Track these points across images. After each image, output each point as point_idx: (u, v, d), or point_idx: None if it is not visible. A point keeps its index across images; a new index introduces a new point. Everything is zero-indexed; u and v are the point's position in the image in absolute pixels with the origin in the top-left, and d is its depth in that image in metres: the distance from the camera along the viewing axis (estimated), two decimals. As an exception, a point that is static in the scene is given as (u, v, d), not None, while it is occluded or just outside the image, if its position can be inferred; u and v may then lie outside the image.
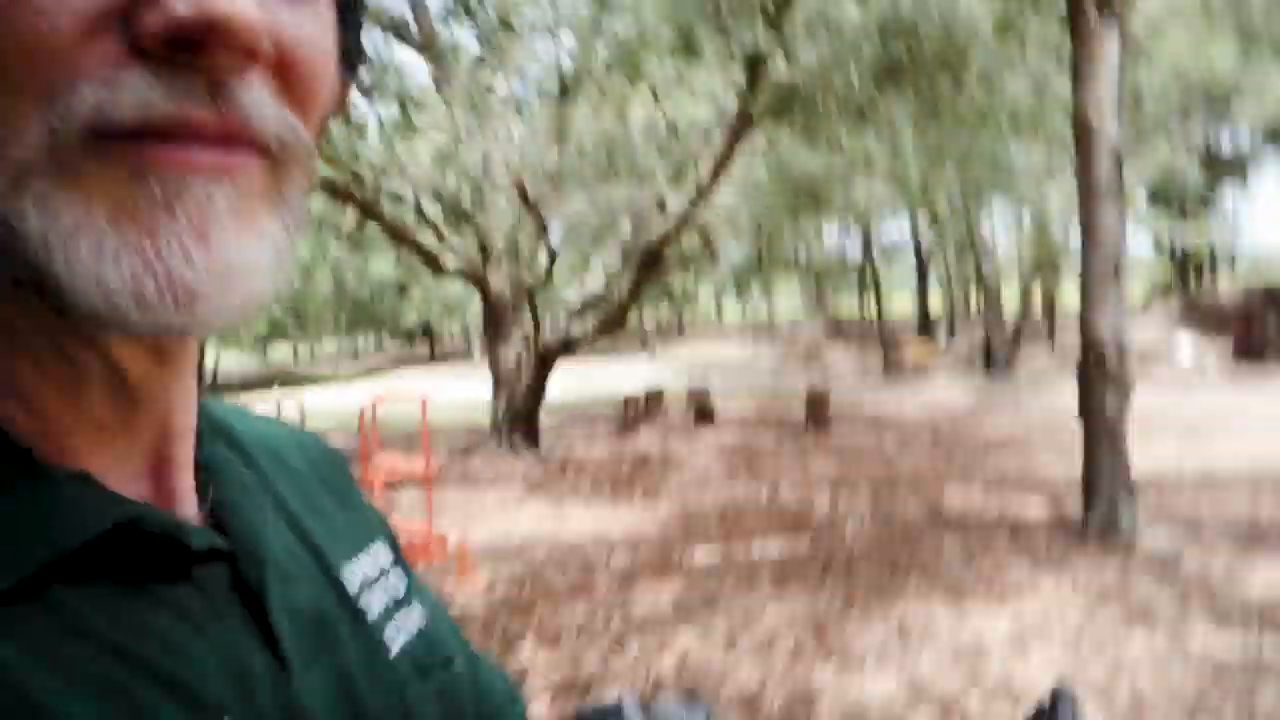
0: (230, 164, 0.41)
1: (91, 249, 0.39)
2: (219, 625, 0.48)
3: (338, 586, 0.59)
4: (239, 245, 0.42)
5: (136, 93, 0.38)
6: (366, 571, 0.62)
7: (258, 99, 0.42)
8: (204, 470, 0.54)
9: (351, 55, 0.52)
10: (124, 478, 0.49)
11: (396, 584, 0.64)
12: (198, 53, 0.39)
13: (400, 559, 0.68)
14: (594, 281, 14.19)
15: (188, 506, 0.52)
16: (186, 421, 0.53)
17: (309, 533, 0.60)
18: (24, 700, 0.38)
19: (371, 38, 12.67)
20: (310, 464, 0.68)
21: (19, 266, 0.39)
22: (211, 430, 0.58)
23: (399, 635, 0.60)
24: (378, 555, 0.65)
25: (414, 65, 32.68)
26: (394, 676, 0.58)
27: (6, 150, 0.38)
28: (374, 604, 0.60)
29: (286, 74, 0.44)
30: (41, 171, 0.38)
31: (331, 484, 0.68)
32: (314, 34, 0.46)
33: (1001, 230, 29.90)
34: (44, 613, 0.41)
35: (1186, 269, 38.29)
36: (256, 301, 0.44)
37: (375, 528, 0.68)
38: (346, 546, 0.62)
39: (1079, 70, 7.70)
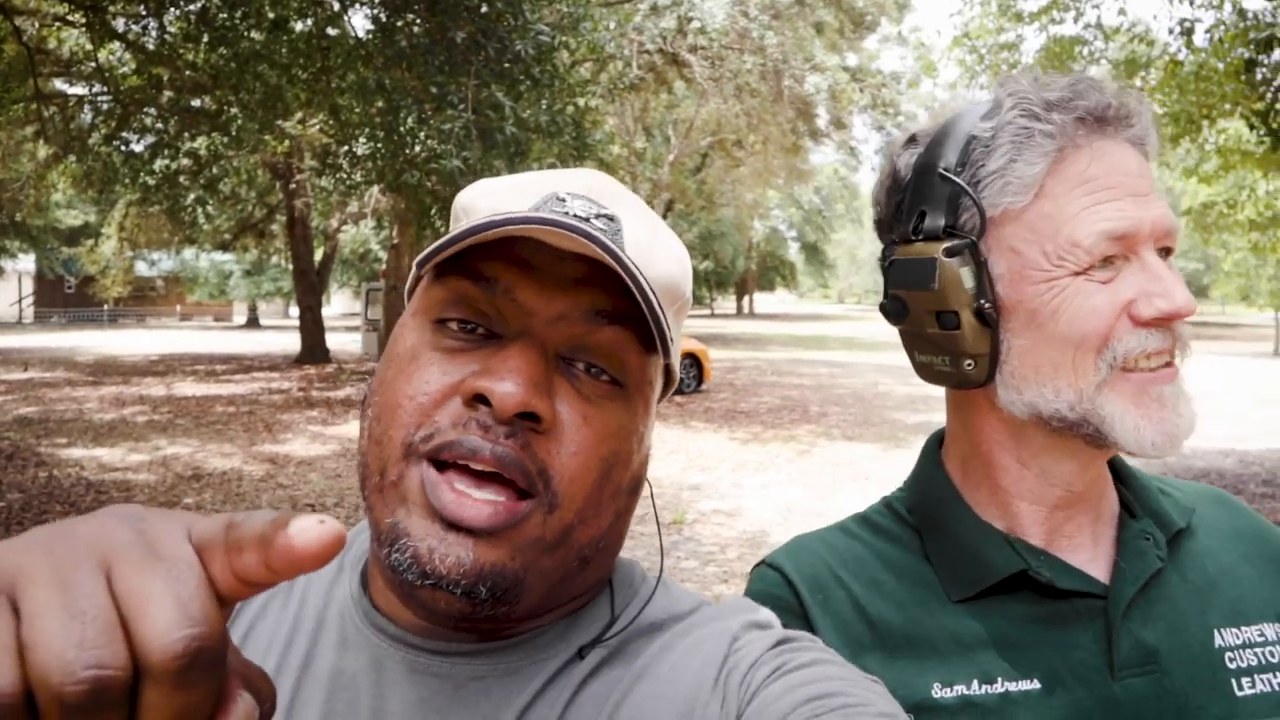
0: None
1: (1130, 420, 0.82)
2: (1075, 630, 0.86)
3: (1197, 634, 0.87)
4: (1186, 413, 0.84)
5: None
6: (1240, 639, 0.88)
7: None
8: (1119, 542, 0.91)
9: None
10: (1071, 546, 0.91)
11: (1273, 654, 0.88)
12: None
13: None
14: None
15: (1095, 562, 0.90)
16: (1099, 512, 0.93)
17: (1197, 590, 0.90)
18: (978, 640, 0.87)
19: None
20: (1238, 534, 0.97)
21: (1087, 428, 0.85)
22: (1144, 510, 0.94)
23: (1255, 685, 0.86)
24: (1264, 631, 0.89)
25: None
26: (1227, 704, 0.84)
27: None
28: (1238, 660, 0.87)
29: None
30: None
31: (1259, 557, 0.95)
32: None
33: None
34: (980, 609, 0.88)
35: None
36: (1189, 434, 0.84)
37: (1274, 611, 0.91)
38: (1232, 614, 0.90)
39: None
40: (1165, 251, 0.85)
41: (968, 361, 0.87)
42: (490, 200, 0.73)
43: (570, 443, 0.65)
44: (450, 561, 0.62)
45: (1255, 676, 0.86)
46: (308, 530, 0.34)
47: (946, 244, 0.86)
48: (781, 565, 0.95)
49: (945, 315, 0.87)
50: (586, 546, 0.69)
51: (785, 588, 0.93)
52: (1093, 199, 0.82)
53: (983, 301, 0.85)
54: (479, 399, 0.63)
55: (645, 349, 0.70)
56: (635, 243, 0.70)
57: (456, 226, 0.73)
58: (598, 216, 0.70)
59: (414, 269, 0.72)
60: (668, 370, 0.77)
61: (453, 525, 0.62)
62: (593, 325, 0.67)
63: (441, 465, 0.64)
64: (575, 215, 0.68)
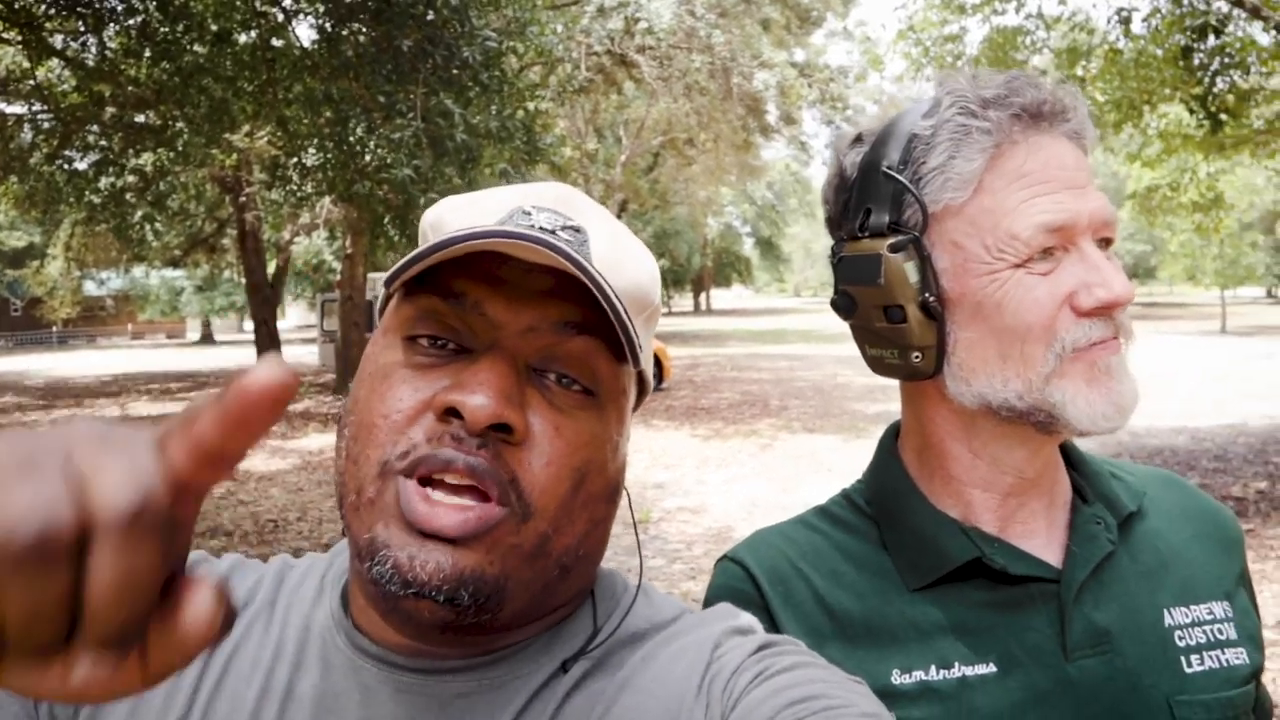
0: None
1: (1082, 399, 0.84)
2: (1029, 614, 0.89)
3: (1148, 614, 0.90)
4: (1129, 385, 0.86)
5: None
6: (1189, 618, 0.92)
7: None
8: (1071, 527, 0.94)
9: None
10: (1025, 532, 0.93)
11: (1220, 631, 0.92)
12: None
13: (1245, 619, 0.95)
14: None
15: (1049, 547, 0.92)
16: (1052, 498, 0.95)
17: (1147, 571, 0.93)
18: (936, 627, 0.89)
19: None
20: (1187, 515, 1.01)
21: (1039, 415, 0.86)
22: (1096, 495, 0.96)
23: (1204, 661, 0.89)
24: (1212, 609, 0.93)
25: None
26: (1177, 681, 0.87)
27: None
28: (1187, 638, 0.90)
29: None
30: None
31: (1207, 537, 0.99)
32: None
33: None
34: (937, 596, 0.90)
35: None
36: (1135, 406, 0.86)
37: (1222, 590, 0.95)
38: (1182, 593, 0.93)
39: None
40: (1105, 242, 0.87)
41: (915, 354, 0.90)
42: (456, 216, 0.74)
43: (543, 453, 0.66)
44: (430, 568, 0.62)
45: (1204, 654, 0.90)
46: (257, 372, 0.35)
47: (891, 240, 0.89)
48: (743, 559, 0.98)
49: (892, 309, 0.90)
50: (564, 555, 0.69)
51: (747, 581, 0.96)
52: (1030, 192, 0.85)
53: (927, 295, 0.88)
54: (451, 412, 0.64)
55: (616, 358, 0.71)
56: (602, 253, 0.71)
57: (424, 244, 0.74)
58: (564, 228, 0.70)
59: (382, 287, 0.72)
60: (640, 378, 0.78)
61: (428, 535, 0.63)
62: (562, 336, 0.68)
63: (418, 481, 0.64)
64: (541, 228, 0.69)
